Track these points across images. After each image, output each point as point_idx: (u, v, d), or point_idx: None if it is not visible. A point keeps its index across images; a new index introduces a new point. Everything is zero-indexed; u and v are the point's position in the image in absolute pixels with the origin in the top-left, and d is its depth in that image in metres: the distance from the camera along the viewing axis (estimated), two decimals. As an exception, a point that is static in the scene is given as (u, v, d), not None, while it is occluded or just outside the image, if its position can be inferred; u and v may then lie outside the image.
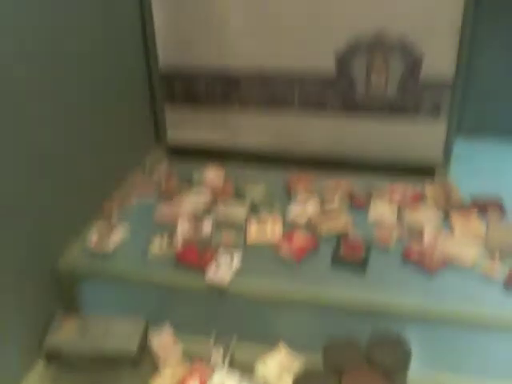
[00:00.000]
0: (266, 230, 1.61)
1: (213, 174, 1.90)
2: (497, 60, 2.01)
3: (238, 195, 1.80)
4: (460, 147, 1.98)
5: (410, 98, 1.87)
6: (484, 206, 1.71)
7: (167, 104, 2.06)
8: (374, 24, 1.78)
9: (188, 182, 1.88)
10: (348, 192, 1.80)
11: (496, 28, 1.95)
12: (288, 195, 1.81)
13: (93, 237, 1.59)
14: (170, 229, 1.62)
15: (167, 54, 1.97)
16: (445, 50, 1.79)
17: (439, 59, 1.81)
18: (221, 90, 1.98)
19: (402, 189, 1.79)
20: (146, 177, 1.93)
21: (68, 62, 1.50)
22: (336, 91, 1.91)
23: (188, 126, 2.07)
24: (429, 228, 1.59)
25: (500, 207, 1.71)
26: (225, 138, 2.05)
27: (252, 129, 2.03)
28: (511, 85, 2.05)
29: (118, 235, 1.61)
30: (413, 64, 1.82)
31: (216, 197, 1.78)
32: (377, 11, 1.76)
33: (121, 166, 1.89)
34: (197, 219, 1.66)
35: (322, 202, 1.74)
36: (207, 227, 1.62)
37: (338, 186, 1.82)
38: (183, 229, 1.61)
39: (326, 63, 1.87)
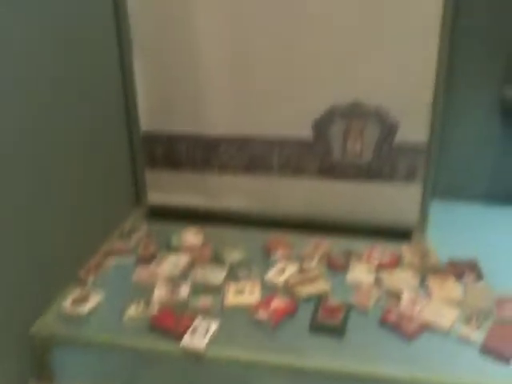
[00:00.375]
0: (244, 293, 1.60)
1: (191, 237, 1.90)
2: (471, 124, 2.08)
3: (217, 258, 1.80)
4: (436, 210, 2.02)
5: (386, 162, 1.92)
6: (461, 269, 1.72)
7: (148, 166, 2.08)
8: (350, 92, 1.85)
9: (167, 245, 1.88)
10: (326, 254, 1.81)
11: (469, 92, 2.02)
12: (267, 257, 1.81)
13: (68, 302, 1.57)
14: (147, 293, 1.61)
15: (149, 118, 2.01)
16: (419, 117, 1.84)
17: (414, 126, 1.86)
18: (201, 153, 2.02)
19: (379, 251, 1.81)
20: (125, 239, 1.92)
21: (46, 126, 1.53)
22: (314, 155, 1.95)
23: (168, 188, 2.08)
24: (406, 292, 1.60)
25: (476, 270, 1.73)
26: (205, 200, 2.07)
27: (231, 191, 2.05)
28: (485, 148, 2.11)
29: (93, 300, 1.58)
30: (388, 131, 1.88)
31: (194, 260, 1.78)
32: (353, 80, 1.83)
33: (99, 229, 1.88)
34: (174, 283, 1.65)
35: (301, 265, 1.75)
36: (184, 291, 1.61)
37: (317, 248, 1.83)
38: (160, 293, 1.60)
39: (304, 129, 1.92)
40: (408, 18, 1.73)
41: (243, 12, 1.81)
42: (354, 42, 1.79)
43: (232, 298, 1.59)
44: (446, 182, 2.11)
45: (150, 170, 2.08)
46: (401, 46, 1.77)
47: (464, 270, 1.72)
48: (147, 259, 1.79)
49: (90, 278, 1.70)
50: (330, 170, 1.96)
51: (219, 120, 1.96)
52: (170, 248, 1.86)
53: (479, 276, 1.70)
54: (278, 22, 1.81)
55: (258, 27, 1.82)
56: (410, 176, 1.93)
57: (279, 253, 1.81)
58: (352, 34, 1.78)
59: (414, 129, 1.87)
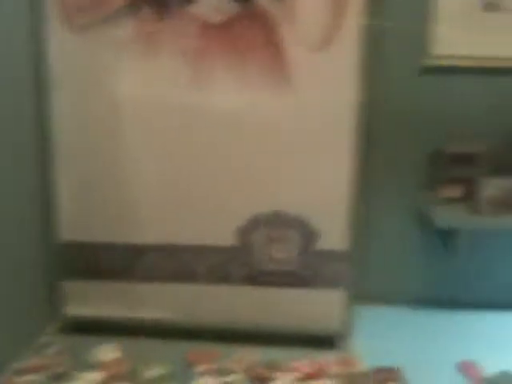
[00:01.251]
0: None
1: (109, 352, 1.81)
2: (392, 230, 2.15)
3: (135, 374, 1.71)
4: (362, 316, 2.03)
5: (309, 269, 1.93)
6: (385, 378, 1.72)
7: (67, 277, 2.00)
8: (272, 203, 1.89)
9: (83, 361, 1.78)
10: (251, 366, 1.76)
11: (387, 201, 2.12)
12: (190, 371, 1.75)
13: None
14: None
15: (68, 226, 1.96)
16: (339, 225, 1.89)
17: (335, 234, 1.90)
18: (124, 262, 1.97)
19: (304, 361, 1.79)
20: (38, 355, 1.81)
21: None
22: (239, 263, 1.95)
23: (88, 300, 2.00)
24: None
25: (401, 379, 1.72)
26: (126, 312, 1.99)
27: (155, 301, 1.99)
28: (407, 254, 2.18)
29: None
30: (310, 238, 1.91)
31: (111, 377, 1.69)
32: (274, 191, 1.88)
33: (10, 344, 1.76)
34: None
35: (224, 379, 1.69)
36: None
37: (241, 360, 1.79)
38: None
39: (228, 237, 1.93)
40: (322, 135, 1.83)
41: (168, 126, 1.86)
42: (272, 159, 1.86)
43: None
44: (371, 288, 2.14)
45: (68, 280, 2.00)
46: (316, 161, 1.85)
47: (388, 379, 1.72)
48: (60, 377, 1.68)
49: (-4, 401, 1.57)
50: (254, 277, 1.96)
51: (143, 229, 1.94)
52: (85, 364, 1.76)
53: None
54: (202, 137, 1.86)
55: (184, 144, 1.87)
56: (333, 283, 1.94)
57: (202, 366, 1.75)
58: (271, 152, 1.86)
59: (335, 236, 1.91)
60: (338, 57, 1.78)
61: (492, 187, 1.91)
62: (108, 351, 1.83)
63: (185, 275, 1.97)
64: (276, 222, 1.91)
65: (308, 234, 1.91)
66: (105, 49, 1.83)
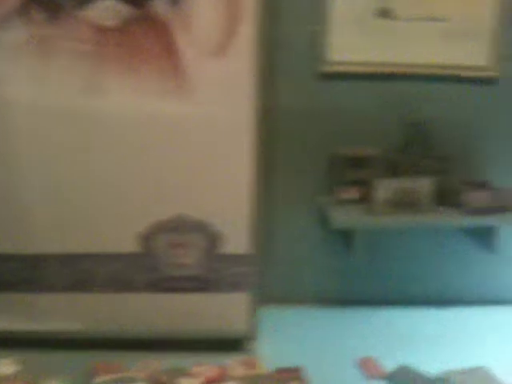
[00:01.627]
0: None
1: (7, 367, 1.77)
2: (294, 233, 2.21)
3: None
4: (267, 318, 2.07)
5: (213, 273, 1.95)
6: (287, 379, 1.76)
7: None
8: (174, 208, 1.88)
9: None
10: (154, 374, 1.77)
11: (289, 203, 2.18)
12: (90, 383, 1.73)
13: None
14: None
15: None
16: (242, 229, 1.91)
17: (238, 237, 1.92)
18: (22, 273, 1.91)
19: (207, 365, 1.81)
20: None
21: None
22: (141, 270, 1.93)
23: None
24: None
25: (302, 379, 1.77)
26: (26, 324, 1.93)
27: (56, 312, 1.94)
28: (313, 253, 2.24)
29: None
30: (213, 243, 1.92)
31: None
32: (176, 197, 1.88)
33: None
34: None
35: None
36: None
37: (144, 369, 1.79)
38: None
39: (130, 244, 1.90)
40: (221, 140, 1.84)
41: (63, 132, 1.81)
42: (172, 164, 1.85)
43: None
44: (276, 289, 2.18)
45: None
46: (216, 166, 1.86)
47: (290, 378, 1.76)
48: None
49: None
50: (158, 283, 1.95)
51: (40, 239, 1.89)
52: (-19, 381, 1.71)
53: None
54: (98, 143, 1.83)
55: (80, 150, 1.83)
56: (238, 286, 1.96)
57: (103, 377, 1.73)
58: (170, 157, 1.85)
59: (238, 240, 1.93)
60: (235, 63, 1.79)
61: (386, 188, 1.99)
62: (6, 365, 1.78)
63: (86, 284, 1.93)
64: (178, 226, 1.90)
65: (211, 238, 1.92)
66: (-3, 52, 1.77)
